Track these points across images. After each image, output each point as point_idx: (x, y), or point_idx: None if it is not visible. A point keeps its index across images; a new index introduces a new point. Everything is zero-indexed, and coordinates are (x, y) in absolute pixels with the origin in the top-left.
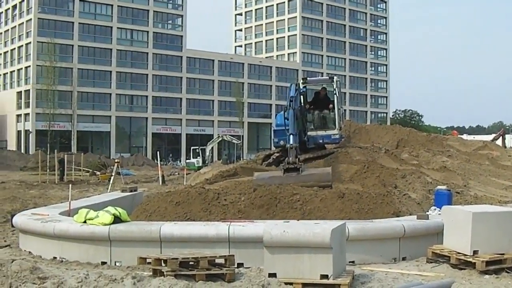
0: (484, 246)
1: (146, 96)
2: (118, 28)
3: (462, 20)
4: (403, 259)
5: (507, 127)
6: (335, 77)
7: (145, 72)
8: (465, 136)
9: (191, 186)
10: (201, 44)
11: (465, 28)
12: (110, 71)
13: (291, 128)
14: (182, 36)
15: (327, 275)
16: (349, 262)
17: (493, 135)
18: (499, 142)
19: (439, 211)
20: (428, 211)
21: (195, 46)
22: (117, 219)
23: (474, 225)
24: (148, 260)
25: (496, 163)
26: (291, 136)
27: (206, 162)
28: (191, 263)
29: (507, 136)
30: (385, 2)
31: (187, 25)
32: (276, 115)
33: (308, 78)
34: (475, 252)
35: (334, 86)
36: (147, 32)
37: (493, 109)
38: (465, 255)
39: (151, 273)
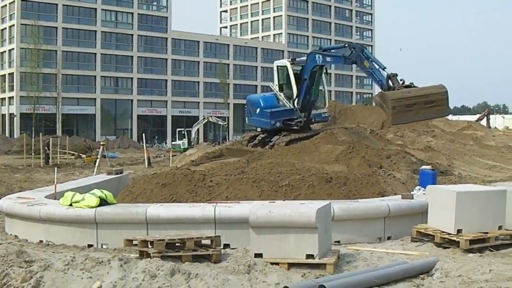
0: (468, 225)
1: (131, 78)
2: (102, 10)
3: (448, 1)
4: (388, 238)
5: (492, 108)
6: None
7: (130, 54)
8: (450, 117)
9: (177, 168)
10: (186, 26)
11: (452, 9)
12: (95, 53)
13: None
14: (167, 17)
15: (312, 255)
16: (335, 241)
17: (478, 116)
18: (483, 122)
19: (424, 190)
20: (413, 191)
21: (180, 28)
22: (103, 202)
23: (458, 204)
24: (134, 242)
25: (481, 143)
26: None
27: (192, 143)
28: (177, 244)
29: (491, 116)
30: None
31: (172, 6)
32: (261, 97)
33: (296, 59)
34: (459, 231)
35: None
36: (132, 13)
37: (478, 90)
38: (449, 234)
39: (137, 255)
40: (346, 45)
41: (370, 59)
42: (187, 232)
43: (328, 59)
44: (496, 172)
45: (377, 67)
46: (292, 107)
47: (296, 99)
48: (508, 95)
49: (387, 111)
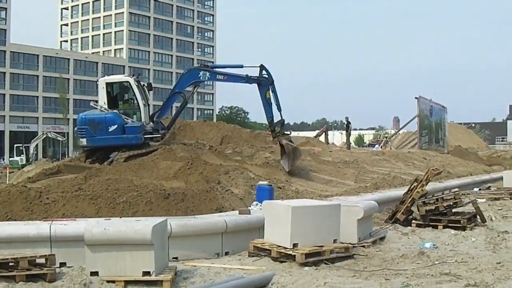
0: (303, 239)
1: None
2: None
3: (290, 18)
4: (226, 253)
5: (330, 124)
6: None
7: None
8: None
9: (12, 185)
10: (26, 39)
11: (292, 26)
12: None
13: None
14: (6, 29)
15: (149, 272)
16: (173, 258)
17: (317, 132)
18: (322, 138)
19: (261, 206)
20: (250, 206)
21: (20, 41)
22: None
23: (294, 218)
24: None
25: (318, 158)
26: None
27: (30, 160)
28: (10, 264)
29: (329, 132)
30: (213, 0)
31: (11, 18)
32: (106, 114)
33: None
34: (294, 245)
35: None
36: None
37: (317, 107)
38: (286, 248)
39: None
40: (259, 66)
41: (275, 93)
42: (22, 251)
43: (219, 77)
44: (333, 186)
45: (275, 104)
46: (138, 122)
47: (160, 112)
48: (346, 112)
49: (290, 161)
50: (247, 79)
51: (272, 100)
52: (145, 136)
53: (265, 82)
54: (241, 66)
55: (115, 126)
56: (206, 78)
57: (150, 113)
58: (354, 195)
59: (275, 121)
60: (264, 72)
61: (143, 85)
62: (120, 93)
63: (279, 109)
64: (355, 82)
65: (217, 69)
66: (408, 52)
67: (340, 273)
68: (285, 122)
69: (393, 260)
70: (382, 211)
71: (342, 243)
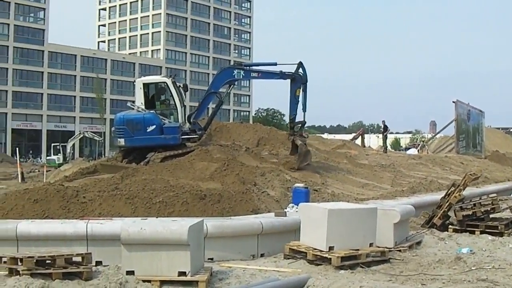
0: (339, 242)
1: (6, 91)
2: None
3: (325, 21)
4: (262, 255)
5: (367, 127)
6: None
7: (5, 66)
8: (325, 135)
9: (50, 183)
10: (64, 39)
11: (327, 29)
12: None
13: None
14: (44, 29)
15: (185, 272)
16: (208, 259)
17: (353, 135)
18: (358, 141)
19: (297, 208)
20: (286, 208)
21: (58, 41)
22: None
23: (330, 221)
24: (3, 259)
25: (354, 161)
26: None
27: (67, 159)
28: (47, 261)
29: (366, 135)
30: (250, 2)
31: (50, 18)
32: (145, 114)
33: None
34: (330, 248)
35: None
36: (8, 24)
37: (354, 109)
38: (321, 251)
39: (7, 273)
40: (297, 63)
41: (305, 93)
42: (59, 249)
43: (253, 74)
44: (369, 190)
45: (302, 103)
46: (176, 123)
47: (196, 113)
48: (383, 115)
49: (299, 161)
50: (281, 75)
51: (300, 99)
52: (182, 137)
53: (299, 79)
54: (275, 64)
55: (154, 126)
56: (241, 77)
57: (187, 114)
58: (391, 199)
59: (297, 120)
60: (300, 70)
61: (179, 86)
62: (157, 93)
63: (304, 110)
64: (392, 85)
65: (250, 67)
66: (445, 55)
67: (376, 277)
68: (319, 125)
69: (429, 265)
70: (419, 215)
71: (378, 247)
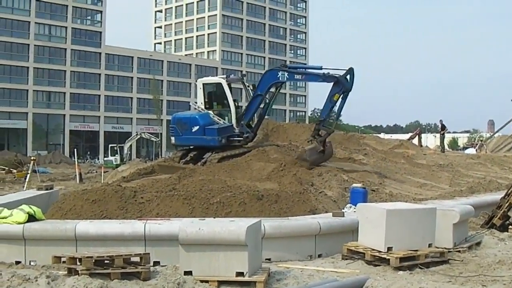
0: (398, 242)
1: (64, 93)
2: (36, 23)
3: (379, 22)
4: (319, 256)
5: (423, 127)
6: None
7: (63, 68)
8: (382, 135)
9: (107, 184)
10: (121, 41)
11: (381, 29)
12: (27, 67)
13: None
14: (101, 32)
15: (242, 273)
16: (265, 259)
17: (410, 134)
18: (415, 141)
19: (355, 208)
20: (343, 209)
21: (114, 43)
22: (31, 218)
23: (388, 222)
24: (63, 259)
25: (412, 161)
26: None
27: (124, 160)
28: (106, 261)
29: (423, 135)
30: (305, 2)
31: (106, 21)
32: (195, 114)
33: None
34: (389, 248)
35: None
36: (66, 27)
37: (410, 109)
38: (380, 251)
39: (66, 272)
40: (348, 68)
41: (344, 101)
42: (117, 249)
43: (297, 76)
44: (427, 190)
45: (337, 109)
46: (229, 123)
47: (244, 115)
48: (440, 115)
49: (320, 159)
50: (324, 78)
51: (337, 105)
52: (230, 138)
53: (342, 84)
54: (320, 68)
55: (198, 126)
56: (285, 79)
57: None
58: (449, 199)
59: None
60: (348, 76)
61: (248, 86)
62: (214, 94)
63: (337, 118)
64: (449, 84)
65: (295, 70)
66: (502, 54)
67: (435, 278)
68: (376, 125)
69: (489, 266)
70: (478, 216)
71: (437, 247)
